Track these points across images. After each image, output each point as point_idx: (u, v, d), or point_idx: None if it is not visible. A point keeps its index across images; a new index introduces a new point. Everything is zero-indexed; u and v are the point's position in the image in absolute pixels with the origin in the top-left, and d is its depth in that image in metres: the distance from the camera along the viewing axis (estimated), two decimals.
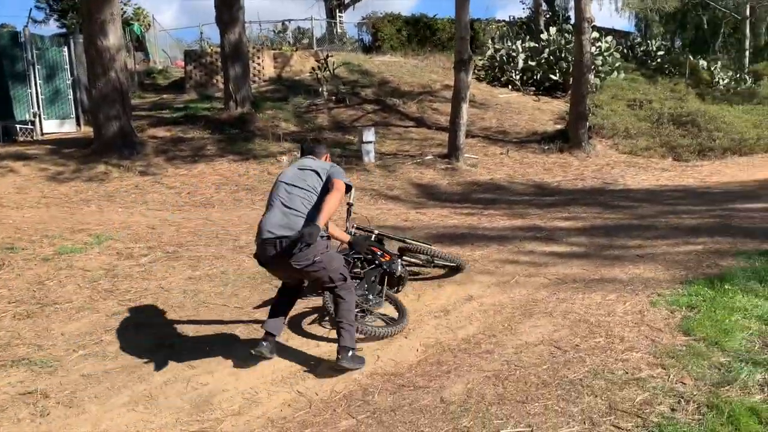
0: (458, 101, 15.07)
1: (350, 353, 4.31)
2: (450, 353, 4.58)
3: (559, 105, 21.25)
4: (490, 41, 25.85)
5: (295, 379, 4.31)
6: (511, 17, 31.48)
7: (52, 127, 15.65)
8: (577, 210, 10.49)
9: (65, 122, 15.99)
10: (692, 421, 3.37)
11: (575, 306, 5.41)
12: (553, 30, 23.81)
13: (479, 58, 23.32)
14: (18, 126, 15.00)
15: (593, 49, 20.43)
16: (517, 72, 22.98)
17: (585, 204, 11.10)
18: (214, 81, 20.47)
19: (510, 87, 22.91)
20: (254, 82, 19.84)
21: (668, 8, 31.81)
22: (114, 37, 13.11)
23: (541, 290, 5.98)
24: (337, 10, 30.80)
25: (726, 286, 5.48)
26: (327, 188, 4.35)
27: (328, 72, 19.62)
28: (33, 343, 4.96)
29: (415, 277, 6.57)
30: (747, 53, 31.90)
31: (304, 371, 4.42)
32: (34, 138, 15.09)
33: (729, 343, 4.27)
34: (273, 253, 4.24)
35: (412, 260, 6.41)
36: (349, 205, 5.81)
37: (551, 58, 22.83)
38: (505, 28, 28.94)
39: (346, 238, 5.42)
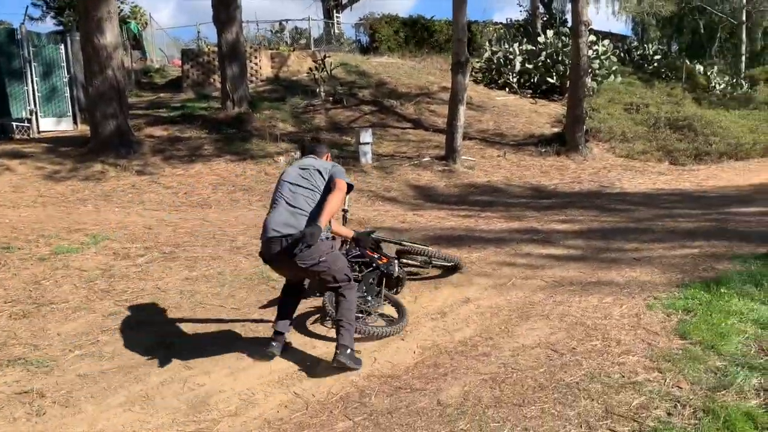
0: (455, 103, 15.08)
1: (348, 351, 4.34)
2: (447, 355, 4.58)
3: (556, 108, 21.27)
4: (487, 44, 25.91)
5: (291, 381, 4.31)
6: (509, 20, 31.55)
7: (48, 125, 15.60)
8: (574, 213, 10.51)
9: (62, 120, 15.94)
10: (688, 425, 3.38)
11: (572, 309, 5.42)
12: (550, 33, 23.85)
13: (476, 60, 23.34)
14: (14, 124, 14.96)
15: (590, 52, 20.50)
16: (514, 75, 22.98)
17: (582, 207, 11.12)
18: (211, 80, 20.46)
19: (507, 89, 22.92)
20: (251, 81, 19.83)
21: (665, 12, 31.90)
22: (111, 35, 13.08)
23: (538, 293, 5.99)
24: (335, 11, 30.78)
25: (722, 290, 5.50)
26: (329, 188, 4.41)
27: (325, 72, 19.61)
28: (29, 343, 4.95)
29: (414, 277, 6.59)
30: (743, 58, 32.02)
31: (301, 372, 4.42)
32: (31, 136, 15.05)
33: (725, 347, 4.28)
34: (278, 251, 4.29)
35: (410, 262, 6.45)
36: (345, 211, 5.84)
37: (548, 61, 22.85)
38: (502, 31, 28.99)
39: (350, 234, 5.50)
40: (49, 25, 30.46)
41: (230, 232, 8.68)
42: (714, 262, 6.71)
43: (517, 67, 22.98)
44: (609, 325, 4.95)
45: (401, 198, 12.44)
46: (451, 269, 6.62)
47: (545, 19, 29.98)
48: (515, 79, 22.92)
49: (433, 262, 6.47)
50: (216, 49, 18.22)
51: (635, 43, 31.69)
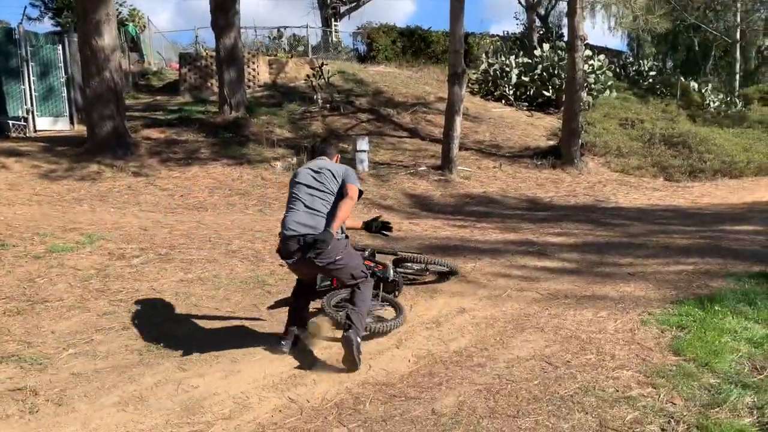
0: (452, 114, 15.13)
1: (359, 339, 4.48)
2: (442, 365, 4.59)
3: (552, 121, 21.37)
4: (483, 55, 26.03)
5: (286, 385, 4.30)
6: (505, 32, 31.84)
7: (45, 124, 15.57)
8: (569, 226, 10.54)
9: (59, 120, 15.91)
10: None
11: (567, 322, 5.43)
12: (546, 46, 24.03)
13: (473, 71, 23.46)
14: (11, 122, 14.92)
15: (586, 66, 20.64)
16: (510, 87, 23.09)
17: (577, 220, 11.16)
18: (209, 84, 20.47)
19: (503, 101, 23.03)
20: (249, 87, 19.85)
21: (660, 29, 32.08)
22: (109, 38, 13.08)
23: (533, 305, 6.00)
24: (333, 19, 30.90)
25: (716, 307, 5.51)
26: (341, 192, 4.61)
27: (323, 80, 19.66)
28: (23, 340, 4.94)
29: (411, 283, 6.67)
30: (737, 76, 32.31)
31: (296, 377, 4.42)
32: (27, 135, 15.00)
33: (719, 365, 4.29)
34: (295, 249, 4.47)
35: (407, 271, 6.55)
36: None
37: (544, 74, 22.98)
38: (498, 43, 29.15)
39: (359, 224, 5.60)
40: (47, 25, 30.47)
41: (226, 235, 8.67)
42: (708, 280, 6.73)
43: (514, 79, 23.10)
44: (603, 340, 4.96)
45: (397, 206, 12.46)
46: (448, 274, 6.73)
47: (542, 32, 30.20)
48: (511, 92, 23.04)
49: (430, 268, 6.59)
50: (214, 53, 18.24)
51: (631, 59, 31.95)
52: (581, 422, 3.62)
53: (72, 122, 16.16)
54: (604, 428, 3.54)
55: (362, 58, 27.46)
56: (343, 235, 4.70)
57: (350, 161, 14.64)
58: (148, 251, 7.54)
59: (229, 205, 11.38)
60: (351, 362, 4.45)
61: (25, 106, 15.03)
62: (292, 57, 23.19)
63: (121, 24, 22.10)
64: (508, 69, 23.49)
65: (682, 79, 27.17)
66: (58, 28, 26.25)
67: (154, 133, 15.40)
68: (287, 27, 27.73)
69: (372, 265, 5.79)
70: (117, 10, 20.42)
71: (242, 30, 18.97)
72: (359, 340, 4.49)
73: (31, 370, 4.44)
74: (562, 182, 15.69)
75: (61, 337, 5.03)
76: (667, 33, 35.91)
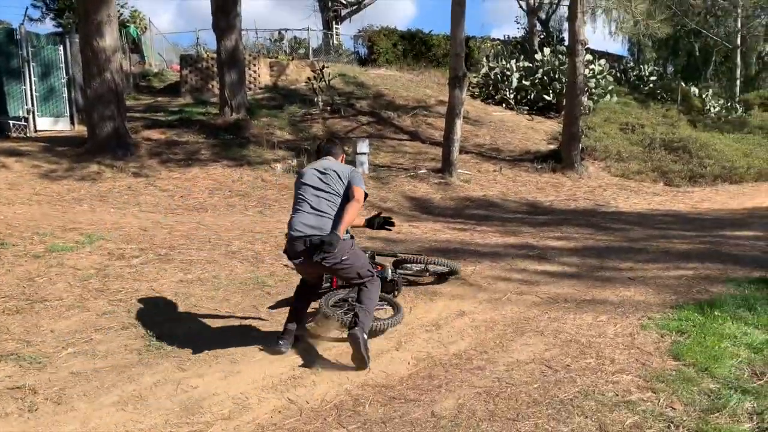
0: (452, 117, 15.14)
1: (365, 336, 4.49)
2: (441, 368, 4.58)
3: (552, 125, 21.38)
4: (484, 59, 26.05)
5: (285, 386, 4.29)
6: (506, 36, 31.87)
7: (45, 124, 15.59)
8: (569, 230, 10.54)
9: (59, 120, 15.93)
10: None
11: (566, 326, 5.43)
12: (547, 51, 24.04)
13: (474, 75, 23.43)
14: (11, 122, 14.94)
15: (587, 71, 20.63)
16: (511, 91, 23.11)
17: (577, 224, 11.15)
18: (210, 86, 20.49)
19: (504, 105, 23.05)
20: (250, 89, 19.87)
21: (661, 34, 32.13)
22: (110, 39, 13.12)
23: (533, 308, 6.00)
24: (334, 22, 30.94)
25: (716, 313, 5.50)
26: (347, 194, 4.65)
27: (323, 82, 19.67)
28: (22, 339, 4.93)
29: (412, 284, 6.71)
30: (738, 82, 32.33)
31: (295, 378, 4.41)
32: (27, 135, 15.02)
33: (718, 370, 4.29)
34: (302, 250, 4.52)
35: (407, 272, 6.57)
36: None
37: (545, 78, 23.00)
38: (499, 47, 29.21)
39: (361, 221, 5.60)
40: (48, 26, 30.50)
41: (226, 236, 8.67)
42: (708, 285, 6.73)
43: (514, 83, 23.12)
44: (603, 344, 4.95)
45: (397, 209, 12.46)
46: (448, 274, 6.77)
47: (542, 37, 30.20)
48: (512, 96, 23.05)
49: (430, 269, 6.61)
50: (215, 55, 18.27)
51: (631, 64, 31.97)
52: (581, 426, 3.61)
53: (72, 122, 16.19)
54: None
55: (363, 61, 27.49)
56: (349, 235, 4.73)
57: (350, 163, 14.62)
58: (148, 251, 7.54)
59: (229, 207, 11.39)
60: (360, 360, 4.47)
61: (25, 107, 15.05)
62: (293, 59, 23.22)
63: (123, 25, 22.14)
64: (508, 73, 23.52)
65: (682, 84, 27.19)
66: (60, 29, 26.31)
67: (155, 134, 15.42)
68: (288, 29, 27.75)
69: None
70: (118, 11, 20.52)
71: (243, 32, 19.04)
72: (366, 337, 4.50)
73: (31, 368, 4.43)
74: (563, 186, 15.70)
75: (60, 336, 5.02)
76: (667, 38, 35.94)
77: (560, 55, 23.51)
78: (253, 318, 5.69)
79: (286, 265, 7.08)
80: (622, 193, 15.47)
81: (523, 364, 4.58)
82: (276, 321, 5.50)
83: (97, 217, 9.52)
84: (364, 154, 14.62)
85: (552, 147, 18.63)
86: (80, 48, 13.79)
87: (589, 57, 21.50)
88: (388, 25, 29.23)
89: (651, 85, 27.00)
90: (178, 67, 22.15)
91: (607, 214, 12.82)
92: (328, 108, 19.26)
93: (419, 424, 3.70)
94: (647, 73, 27.99)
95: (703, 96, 26.05)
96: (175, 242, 8.13)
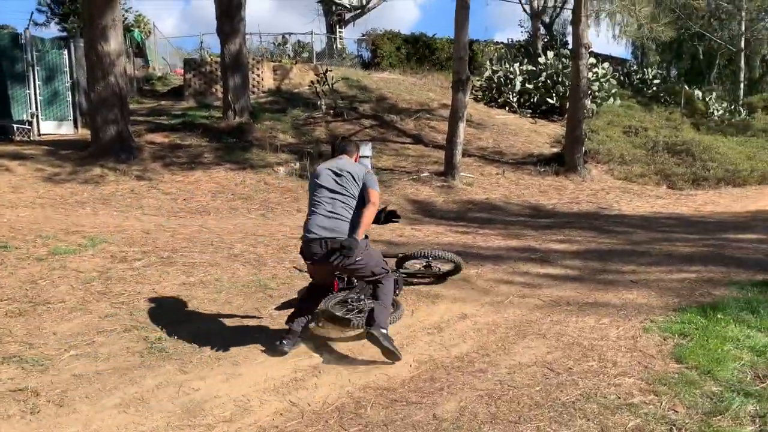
0: (455, 120, 15.14)
1: (384, 331, 4.59)
2: (443, 370, 4.58)
3: (556, 128, 21.37)
4: (488, 62, 26.08)
5: (287, 389, 4.30)
6: (510, 40, 31.89)
7: (49, 128, 15.60)
8: (572, 233, 10.53)
9: (63, 124, 15.95)
10: None
11: (569, 329, 5.43)
12: (550, 54, 24.04)
13: (477, 78, 23.45)
14: (15, 126, 14.95)
15: (590, 74, 20.64)
16: (514, 94, 23.10)
17: (580, 227, 11.14)
18: (213, 90, 20.51)
19: (507, 108, 23.02)
20: (253, 93, 19.89)
21: (664, 38, 32.05)
22: (115, 43, 13.15)
23: (535, 311, 5.99)
24: (338, 26, 30.97)
25: (719, 316, 5.50)
26: (363, 197, 4.75)
27: (327, 86, 19.68)
28: (24, 341, 4.93)
29: (415, 284, 6.78)
30: (742, 85, 32.27)
31: (297, 381, 4.41)
32: (31, 138, 15.04)
33: (721, 373, 4.28)
34: (317, 251, 4.61)
35: (410, 270, 6.75)
36: None
37: (548, 81, 22.98)
38: (503, 50, 29.21)
39: None
40: (53, 30, 30.61)
41: (228, 239, 8.68)
42: (711, 288, 6.72)
43: (518, 86, 23.11)
44: (605, 347, 4.95)
45: (399, 212, 12.38)
46: (452, 272, 6.80)
47: (546, 40, 30.24)
48: (515, 99, 23.03)
49: (433, 263, 6.68)
50: (218, 59, 18.28)
51: (635, 67, 31.94)
52: (583, 429, 3.61)
53: (76, 126, 16.20)
54: None
55: (366, 65, 27.53)
56: (364, 236, 4.79)
57: None
58: (151, 254, 7.54)
59: (232, 210, 11.39)
60: (389, 354, 4.60)
61: (29, 110, 15.07)
62: (296, 63, 23.24)
63: (127, 29, 22.22)
64: (512, 76, 23.51)
65: (686, 87, 27.15)
66: (64, 34, 26.43)
67: (158, 138, 15.43)
68: (292, 33, 27.92)
69: None
70: (123, 15, 20.56)
71: (247, 36, 19.06)
72: (384, 331, 4.59)
73: (33, 371, 4.43)
74: (566, 189, 15.68)
75: (62, 339, 5.02)
76: (671, 41, 35.90)
77: (564, 59, 23.50)
78: (255, 320, 5.69)
79: (295, 267, 7.09)
80: (625, 196, 15.44)
81: (525, 366, 4.58)
82: (278, 323, 5.49)
83: (99, 220, 9.54)
84: (367, 157, 14.52)
85: (555, 150, 18.62)
86: (85, 52, 13.82)
87: (592, 60, 21.48)
88: (391, 29, 29.32)
89: (654, 89, 26.99)
90: (182, 71, 22.19)
91: (610, 217, 12.80)
92: (331, 111, 19.27)
93: (421, 427, 3.70)
94: (651, 77, 27.98)
95: (707, 99, 26.02)
96: (178, 245, 8.14)
